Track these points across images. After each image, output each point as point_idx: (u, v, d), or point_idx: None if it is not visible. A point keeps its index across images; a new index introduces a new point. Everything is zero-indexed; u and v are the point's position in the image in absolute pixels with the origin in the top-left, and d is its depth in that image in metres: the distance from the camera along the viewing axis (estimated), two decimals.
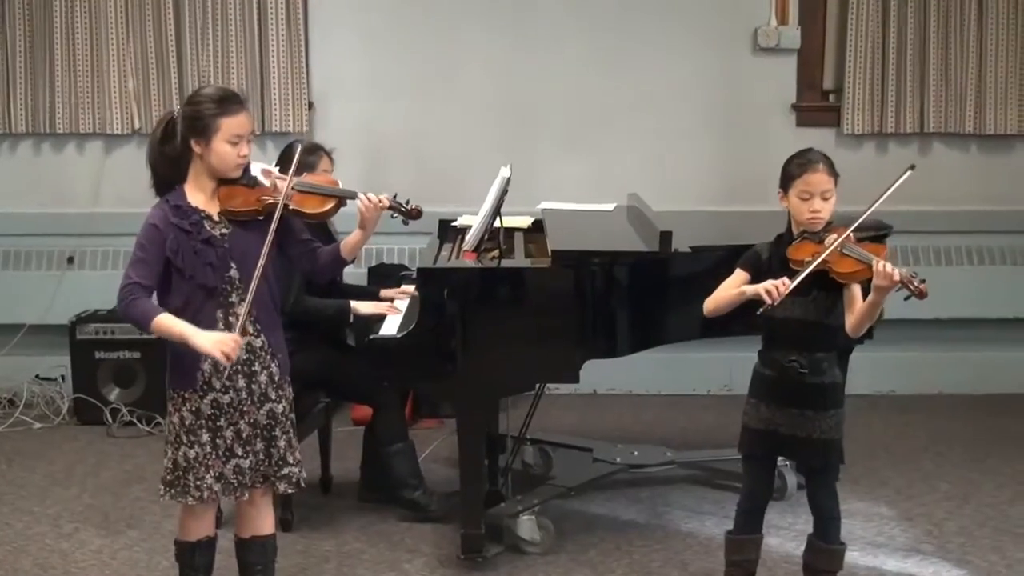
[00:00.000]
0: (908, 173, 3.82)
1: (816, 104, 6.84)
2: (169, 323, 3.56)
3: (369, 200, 3.84)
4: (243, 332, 3.59)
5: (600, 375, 6.35)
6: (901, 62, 6.62)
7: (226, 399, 3.68)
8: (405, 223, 4.03)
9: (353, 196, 3.87)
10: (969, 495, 5.31)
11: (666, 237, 4.49)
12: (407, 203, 3.98)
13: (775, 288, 3.66)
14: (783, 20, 6.71)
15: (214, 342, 3.50)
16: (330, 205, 3.84)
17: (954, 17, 6.59)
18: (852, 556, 4.56)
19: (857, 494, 5.28)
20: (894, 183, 3.81)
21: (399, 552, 4.74)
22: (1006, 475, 5.54)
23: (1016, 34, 6.62)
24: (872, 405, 6.56)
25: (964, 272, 6.77)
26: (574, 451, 5.50)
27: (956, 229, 6.80)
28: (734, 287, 3.85)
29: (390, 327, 4.69)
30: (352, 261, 4.00)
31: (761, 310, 3.69)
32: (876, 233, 5.01)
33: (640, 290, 4.53)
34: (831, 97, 6.87)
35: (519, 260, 4.73)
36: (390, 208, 3.93)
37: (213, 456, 3.68)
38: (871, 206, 3.80)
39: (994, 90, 6.65)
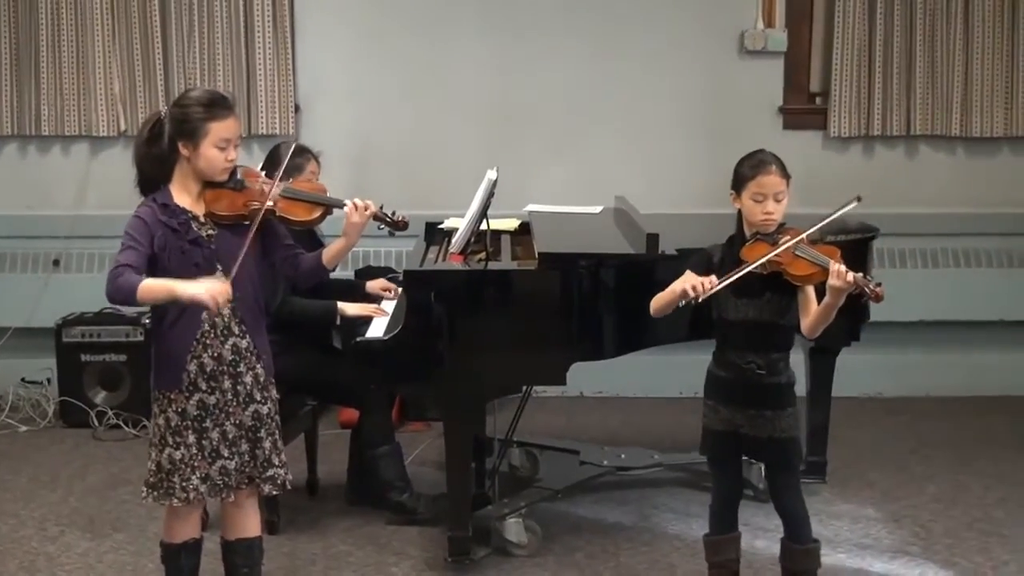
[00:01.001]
0: (853, 204, 3.80)
1: (803, 107, 6.86)
2: (154, 283, 3.53)
3: (357, 206, 3.84)
4: (233, 286, 3.55)
5: (587, 377, 6.35)
6: (887, 65, 6.64)
7: (212, 400, 3.68)
8: (391, 234, 4.03)
9: (340, 205, 3.86)
10: (956, 497, 5.32)
11: (653, 239, 4.48)
12: (393, 214, 3.97)
13: (700, 284, 3.68)
14: (770, 23, 6.72)
15: (206, 288, 3.48)
16: (317, 213, 3.83)
17: (940, 20, 6.60)
18: (838, 558, 4.58)
19: (844, 496, 5.29)
20: (837, 211, 3.80)
21: (386, 555, 4.73)
22: (993, 477, 5.55)
23: (1002, 36, 6.64)
24: (859, 407, 6.57)
25: (950, 274, 6.78)
26: (561, 453, 5.50)
27: (942, 231, 6.81)
28: None
29: (376, 329, 4.68)
30: (333, 270, 3.99)
31: (683, 303, 3.72)
32: (862, 236, 5.04)
33: (627, 292, 4.52)
34: (818, 100, 6.88)
35: (506, 262, 4.73)
36: (376, 219, 3.93)
37: (199, 457, 3.68)
38: (812, 227, 3.79)
39: (980, 93, 6.66)
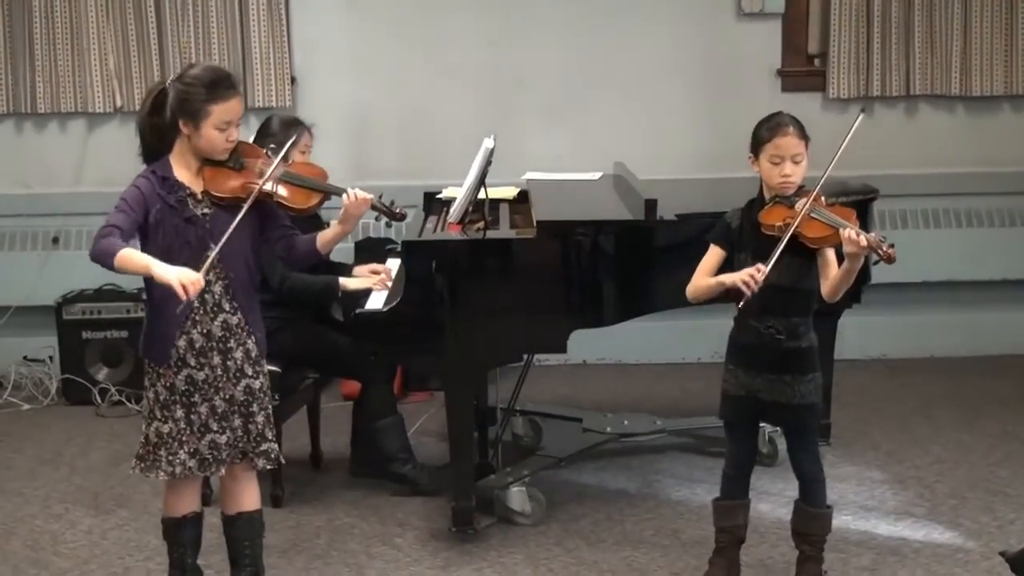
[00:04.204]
0: (860, 117, 3.79)
1: (801, 69, 6.81)
2: (132, 255, 3.52)
3: (355, 197, 3.81)
4: (205, 275, 3.54)
5: (589, 345, 6.32)
6: (886, 25, 6.59)
7: (201, 376, 3.68)
8: (388, 225, 4.02)
9: (339, 192, 3.84)
10: (960, 457, 5.31)
11: (651, 205, 4.47)
12: (392, 204, 3.95)
13: (751, 278, 3.65)
14: None
15: (177, 273, 3.47)
16: (315, 200, 3.81)
17: None
18: (844, 520, 4.57)
19: (848, 458, 5.29)
20: (849, 132, 3.77)
21: (390, 526, 4.74)
22: (997, 437, 5.55)
23: None
24: (863, 369, 6.56)
25: (953, 234, 6.77)
26: (564, 421, 5.49)
27: (944, 191, 6.78)
28: (710, 266, 3.86)
29: (376, 301, 4.67)
30: (327, 255, 3.97)
31: (742, 303, 3.71)
32: (863, 197, 5.01)
33: (626, 259, 4.51)
34: (816, 61, 6.83)
35: (504, 231, 4.71)
36: (374, 208, 3.92)
37: (187, 432, 3.68)
38: (833, 158, 3.76)
39: (979, 51, 6.62)
